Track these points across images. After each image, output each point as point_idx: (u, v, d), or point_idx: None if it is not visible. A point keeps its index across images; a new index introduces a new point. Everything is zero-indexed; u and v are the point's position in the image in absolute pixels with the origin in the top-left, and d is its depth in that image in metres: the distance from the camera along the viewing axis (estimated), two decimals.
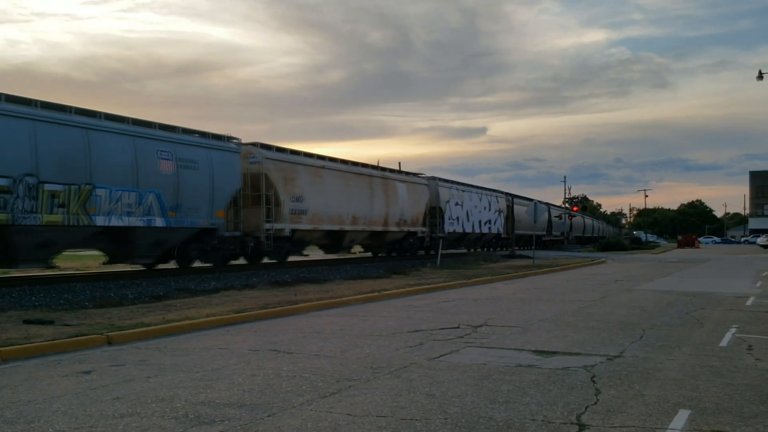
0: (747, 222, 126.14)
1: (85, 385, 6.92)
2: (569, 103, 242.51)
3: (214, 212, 20.89)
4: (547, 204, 64.24)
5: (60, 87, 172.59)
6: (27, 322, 10.98)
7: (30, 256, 16.65)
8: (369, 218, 29.76)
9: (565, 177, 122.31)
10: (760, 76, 37.95)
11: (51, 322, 10.92)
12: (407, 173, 35.51)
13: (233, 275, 20.97)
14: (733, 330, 10.84)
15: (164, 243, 20.14)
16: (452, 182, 39.71)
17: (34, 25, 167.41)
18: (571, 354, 8.66)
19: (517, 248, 46.86)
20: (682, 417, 5.72)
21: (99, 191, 17.30)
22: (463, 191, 40.02)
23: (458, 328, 11.04)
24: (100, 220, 17.43)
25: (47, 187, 16.12)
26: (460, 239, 40.59)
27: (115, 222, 17.85)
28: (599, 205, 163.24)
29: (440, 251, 32.72)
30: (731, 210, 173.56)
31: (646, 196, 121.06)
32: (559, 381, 7.05)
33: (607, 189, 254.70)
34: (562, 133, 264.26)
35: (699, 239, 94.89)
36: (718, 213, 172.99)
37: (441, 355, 8.52)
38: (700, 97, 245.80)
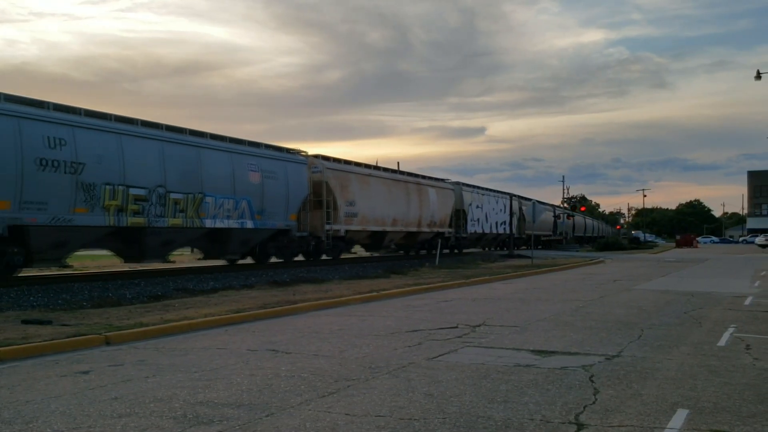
0: (745, 222, 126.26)
1: (83, 385, 6.91)
2: (568, 103, 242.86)
3: (288, 215, 24.60)
4: (553, 206, 65.26)
5: (58, 87, 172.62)
6: (25, 322, 10.97)
7: (155, 253, 20.22)
8: (406, 220, 33.32)
9: (563, 177, 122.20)
10: (759, 76, 38.01)
11: (49, 322, 10.91)
12: (436, 179, 38.78)
13: (231, 275, 20.97)
14: (731, 329, 10.86)
15: (250, 242, 23.85)
16: (473, 186, 42.93)
17: (33, 24, 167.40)
18: (569, 354, 8.67)
19: (525, 248, 47.77)
20: (680, 416, 5.73)
21: (207, 199, 20.95)
22: (482, 195, 43.70)
23: (457, 327, 11.04)
24: (208, 223, 21.12)
25: (172, 195, 19.70)
26: (479, 239, 43.93)
27: (218, 224, 21.52)
28: (598, 205, 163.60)
29: (439, 251, 32.77)
30: (729, 210, 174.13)
31: (645, 195, 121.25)
32: (558, 381, 7.06)
33: (606, 189, 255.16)
34: (561, 133, 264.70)
35: (697, 239, 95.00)
36: (717, 213, 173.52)
37: (439, 355, 8.53)
38: (698, 97, 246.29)
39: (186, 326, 10.92)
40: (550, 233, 62.75)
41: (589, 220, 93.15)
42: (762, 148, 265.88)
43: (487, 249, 47.50)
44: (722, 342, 9.68)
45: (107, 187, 17.75)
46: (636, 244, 75.79)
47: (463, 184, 41.06)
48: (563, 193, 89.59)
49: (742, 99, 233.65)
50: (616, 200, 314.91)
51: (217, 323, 11.45)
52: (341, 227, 27.63)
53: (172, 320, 11.25)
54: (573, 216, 75.77)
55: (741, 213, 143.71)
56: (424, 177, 36.92)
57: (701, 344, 9.48)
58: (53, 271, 21.26)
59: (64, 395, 6.50)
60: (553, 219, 63.12)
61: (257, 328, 11.09)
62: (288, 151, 25.48)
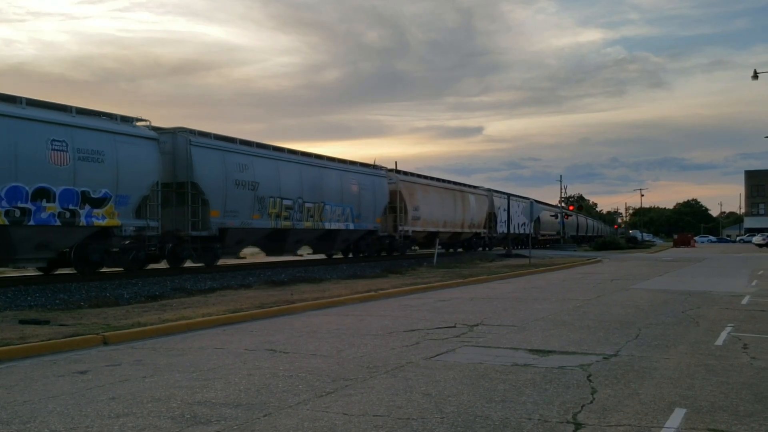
0: (742, 221, 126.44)
1: (81, 385, 6.90)
2: (565, 102, 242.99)
3: (375, 219, 31.49)
4: (560, 208, 67.25)
5: (56, 87, 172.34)
6: (22, 322, 10.96)
7: (291, 248, 27.73)
8: (453, 222, 39.72)
9: (561, 177, 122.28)
10: (756, 76, 38.09)
11: (47, 322, 10.90)
12: (474, 186, 45.86)
13: (229, 275, 20.97)
14: (728, 329, 10.88)
15: (348, 240, 30.81)
16: (501, 192, 50.28)
17: (30, 24, 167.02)
18: (567, 353, 8.68)
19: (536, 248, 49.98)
20: (677, 415, 5.74)
21: (326, 206, 27.64)
22: (508, 199, 50.15)
23: (454, 327, 11.05)
24: (326, 225, 27.74)
25: (306, 204, 26.32)
26: (504, 238, 50.19)
27: (333, 226, 28.16)
28: (595, 205, 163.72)
29: (437, 250, 32.81)
30: (727, 209, 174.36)
31: (642, 195, 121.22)
32: (556, 380, 7.06)
33: (603, 188, 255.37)
34: (558, 133, 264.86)
35: (695, 238, 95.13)
36: (714, 212, 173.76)
37: (437, 355, 8.53)
38: (695, 96, 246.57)
39: (184, 326, 10.91)
40: (553, 233, 64.90)
41: (585, 220, 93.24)
42: (759, 147, 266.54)
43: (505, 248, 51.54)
44: (719, 341, 9.69)
45: (270, 199, 24.18)
46: (633, 244, 75.93)
47: (494, 191, 49.11)
48: (561, 192, 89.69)
49: (740, 98, 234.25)
50: (613, 200, 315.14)
51: (215, 323, 11.45)
52: (409, 228, 34.28)
53: (169, 320, 11.25)
54: (570, 216, 75.91)
55: (738, 212, 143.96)
56: (466, 185, 43.90)
57: (699, 343, 9.50)
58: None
59: (61, 395, 6.49)
60: (561, 221, 67.19)
61: (255, 328, 11.08)
62: (374, 167, 32.93)
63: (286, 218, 25.02)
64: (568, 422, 5.53)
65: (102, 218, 17.95)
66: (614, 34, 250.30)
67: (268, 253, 27.85)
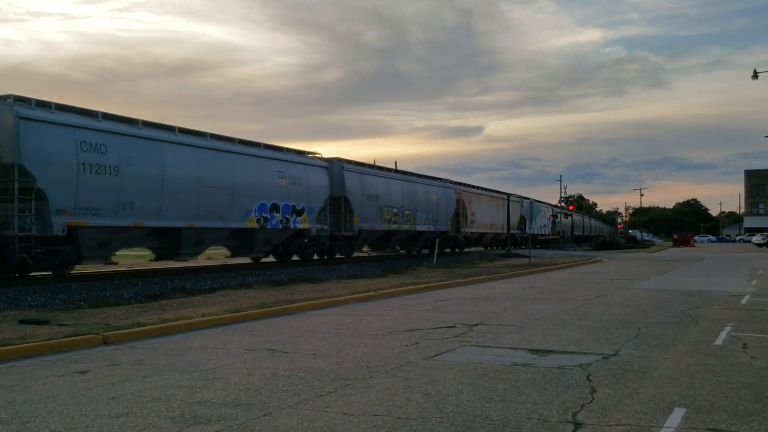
0: (742, 221, 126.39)
1: (81, 385, 6.91)
2: (565, 102, 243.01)
3: (446, 223, 38.64)
4: (550, 205, 69.21)
5: (56, 87, 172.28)
6: (23, 322, 10.96)
7: (392, 246, 36.20)
8: (495, 224, 47.54)
9: (560, 176, 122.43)
10: (755, 76, 38.09)
11: (47, 322, 10.90)
12: (511, 194, 51.88)
13: (229, 274, 20.97)
14: (728, 328, 10.88)
15: (429, 239, 37.58)
16: (528, 198, 55.96)
17: (30, 24, 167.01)
18: (566, 353, 8.68)
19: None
20: (677, 415, 5.74)
21: (418, 213, 34.86)
22: (535, 204, 55.70)
23: (454, 327, 11.05)
24: (418, 227, 35.01)
25: (405, 211, 33.43)
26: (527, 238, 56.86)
27: (421, 228, 35.39)
28: (595, 204, 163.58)
29: (436, 250, 32.84)
30: (726, 209, 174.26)
31: (642, 195, 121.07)
32: (555, 380, 7.07)
33: (603, 188, 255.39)
34: (558, 133, 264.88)
35: (694, 238, 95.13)
36: (714, 212, 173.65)
37: (437, 354, 8.53)
38: (695, 96, 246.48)
39: (184, 326, 10.91)
40: (550, 233, 64.93)
41: (586, 219, 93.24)
42: (759, 147, 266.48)
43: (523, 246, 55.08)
44: (719, 341, 9.70)
45: (386, 207, 31.49)
46: (633, 244, 75.89)
47: (524, 197, 55.49)
48: (560, 192, 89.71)
49: (739, 98, 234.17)
50: (613, 199, 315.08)
51: (215, 323, 11.45)
52: (468, 230, 41.86)
53: (169, 320, 11.25)
54: (570, 215, 75.98)
55: (738, 212, 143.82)
56: (506, 193, 51.17)
57: (698, 343, 9.50)
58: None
59: (61, 395, 6.49)
60: (570, 222, 71.70)
61: (255, 328, 11.09)
62: (448, 181, 40.64)
63: (393, 222, 32.36)
64: (567, 422, 5.53)
65: (300, 223, 25.72)
66: (614, 33, 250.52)
67: (374, 250, 36.89)
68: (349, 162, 29.59)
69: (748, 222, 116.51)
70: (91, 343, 9.40)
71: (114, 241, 18.73)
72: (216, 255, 35.12)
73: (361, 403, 6.13)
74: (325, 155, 28.67)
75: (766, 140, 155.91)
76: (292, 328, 11.03)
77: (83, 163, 16.84)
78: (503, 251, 44.84)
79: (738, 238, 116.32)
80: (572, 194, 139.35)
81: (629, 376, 7.29)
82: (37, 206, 16.00)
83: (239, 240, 23.47)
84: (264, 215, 23.30)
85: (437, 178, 39.61)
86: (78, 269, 20.27)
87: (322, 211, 26.89)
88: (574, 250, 56.36)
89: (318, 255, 29.45)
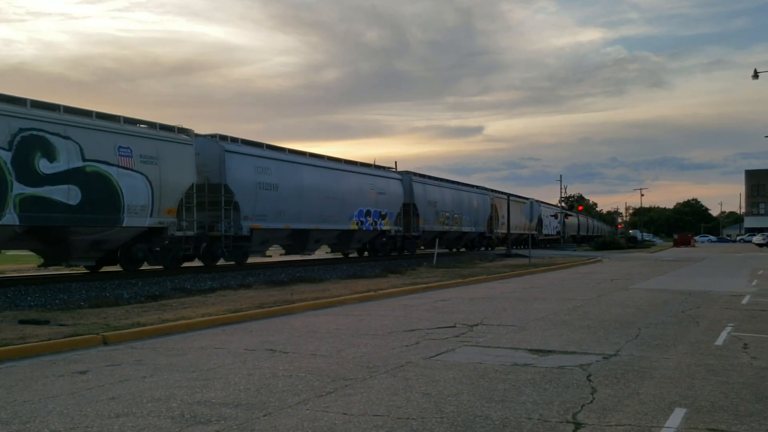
0: (743, 221, 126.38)
1: (81, 385, 6.90)
2: (565, 102, 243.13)
3: (484, 224, 45.30)
4: (559, 208, 71.23)
5: (55, 87, 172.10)
6: (22, 322, 10.95)
7: (444, 245, 40.46)
8: (521, 225, 53.59)
9: (561, 176, 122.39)
10: (756, 75, 38.07)
11: (46, 322, 10.90)
12: (529, 199, 55.11)
13: (229, 275, 20.96)
14: (728, 328, 10.87)
15: (469, 239, 44.26)
16: (541, 202, 60.90)
17: (30, 24, 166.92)
18: (567, 353, 8.68)
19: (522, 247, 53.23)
20: (677, 415, 5.73)
21: (464, 216, 41.42)
22: (545, 207, 63.19)
23: (454, 327, 11.04)
24: (463, 229, 41.63)
25: (454, 215, 39.82)
26: (558, 237, 67.06)
27: (465, 229, 42.12)
28: (595, 204, 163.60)
29: (437, 250, 32.83)
30: (727, 209, 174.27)
31: (642, 195, 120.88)
32: (555, 380, 7.06)
33: (603, 188, 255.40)
34: (558, 133, 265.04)
35: (695, 238, 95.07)
36: (714, 212, 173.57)
37: (437, 354, 8.53)
38: (695, 96, 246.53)
39: (183, 326, 10.91)
40: (552, 233, 65.57)
41: (586, 219, 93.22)
42: (759, 147, 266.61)
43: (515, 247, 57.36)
44: (720, 341, 9.69)
45: (441, 212, 37.84)
46: (633, 244, 75.84)
47: (538, 201, 59.26)
48: (560, 192, 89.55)
49: (740, 98, 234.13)
50: (613, 199, 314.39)
51: (215, 323, 11.44)
52: (498, 230, 48.74)
53: (169, 320, 11.24)
54: (570, 215, 76.05)
55: (738, 212, 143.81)
56: (525, 198, 55.12)
57: (699, 343, 9.49)
58: (50, 271, 21.73)
59: (61, 395, 6.49)
60: (577, 223, 75.07)
61: (255, 328, 11.08)
62: (483, 188, 46.96)
63: (446, 224, 38.70)
64: (567, 422, 5.52)
65: (384, 225, 32.32)
66: (614, 33, 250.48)
67: (426, 247, 40.78)
68: (416, 174, 36.86)
69: (749, 222, 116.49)
70: (91, 343, 9.40)
71: (271, 239, 25.69)
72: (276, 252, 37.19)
73: (361, 403, 6.12)
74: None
75: (767, 140, 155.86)
76: (292, 328, 11.02)
77: (258, 182, 23.51)
78: (504, 251, 44.88)
79: (738, 238, 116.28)
80: (572, 194, 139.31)
81: (629, 376, 7.28)
82: (234, 215, 22.32)
83: (341, 239, 30.04)
84: (361, 219, 30.06)
85: (475, 186, 46.43)
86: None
87: (398, 216, 33.82)
88: (574, 250, 56.37)
89: (389, 251, 35.14)
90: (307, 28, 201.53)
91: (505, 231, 48.79)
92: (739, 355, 8.59)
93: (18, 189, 15.48)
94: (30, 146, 15.79)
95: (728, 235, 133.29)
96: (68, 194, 16.59)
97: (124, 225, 18.23)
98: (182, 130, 20.59)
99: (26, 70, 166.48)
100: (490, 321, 11.73)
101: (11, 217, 15.31)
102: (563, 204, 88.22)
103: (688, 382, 7.02)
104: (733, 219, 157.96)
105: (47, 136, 16.15)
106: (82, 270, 21.25)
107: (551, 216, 66.70)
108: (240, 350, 8.94)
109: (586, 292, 17.42)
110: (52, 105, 16.74)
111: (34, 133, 15.91)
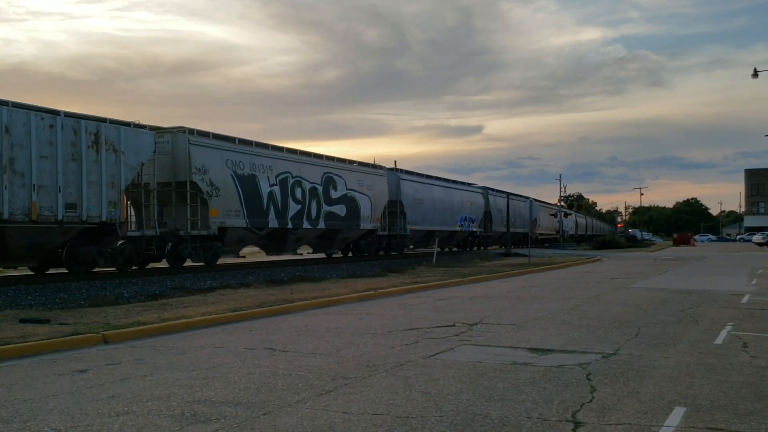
0: (742, 220, 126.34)
1: (81, 384, 6.91)
2: (564, 101, 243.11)
3: (526, 226, 48.34)
4: (558, 207, 71.70)
5: (55, 87, 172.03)
6: (23, 321, 10.96)
7: (492, 243, 50.29)
8: (546, 227, 63.42)
9: (560, 176, 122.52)
10: (756, 74, 38.06)
11: (47, 321, 10.90)
12: (528, 197, 58.39)
13: (229, 274, 20.98)
14: (728, 327, 10.88)
15: (460, 237, 45.43)
16: (541, 201, 64.35)
17: (29, 24, 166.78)
18: (566, 352, 8.68)
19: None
20: (677, 414, 5.74)
21: (511, 219, 49.83)
22: (545, 207, 67.34)
23: (454, 326, 11.05)
24: (517, 230, 52.47)
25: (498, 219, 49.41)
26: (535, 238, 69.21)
27: (518, 230, 52.69)
28: (594, 204, 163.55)
29: (436, 249, 32.84)
30: (727, 208, 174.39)
31: (642, 194, 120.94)
32: (555, 379, 7.07)
33: (602, 187, 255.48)
34: (557, 132, 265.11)
35: (694, 237, 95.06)
36: (714, 211, 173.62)
37: (436, 353, 8.53)
38: (695, 95, 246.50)
39: (184, 325, 10.91)
40: (551, 232, 65.65)
41: (584, 219, 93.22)
42: (759, 146, 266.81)
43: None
44: (719, 340, 9.70)
45: (501, 217, 48.95)
46: (633, 243, 75.86)
47: (533, 199, 66.79)
48: (560, 191, 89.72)
49: (739, 97, 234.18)
50: (613, 198, 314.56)
51: (215, 322, 11.45)
52: (497, 229, 50.32)
53: (169, 319, 11.25)
54: (570, 215, 76.10)
55: (738, 211, 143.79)
56: (525, 197, 57.50)
57: (698, 342, 9.50)
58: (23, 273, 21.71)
59: (61, 394, 6.49)
60: (584, 222, 77.20)
61: (255, 327, 11.09)
62: (524, 197, 51.85)
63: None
64: (567, 421, 5.53)
65: (473, 228, 44.14)
66: (614, 32, 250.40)
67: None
68: (492, 189, 48.79)
69: (749, 221, 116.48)
70: (91, 342, 9.41)
71: (415, 237, 36.82)
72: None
73: (361, 402, 6.13)
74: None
75: (766, 139, 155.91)
76: (291, 327, 11.03)
77: (414, 198, 35.76)
78: (503, 250, 44.94)
79: (738, 237, 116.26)
80: (572, 193, 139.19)
81: (629, 375, 7.29)
82: (401, 220, 34.38)
83: (447, 238, 41.12)
84: (461, 223, 41.82)
85: (523, 196, 53.52)
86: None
87: (482, 220, 45.52)
88: (574, 250, 56.35)
89: (461, 247, 45.54)
90: (306, 27, 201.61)
91: (500, 230, 49.35)
92: (739, 354, 8.60)
93: (324, 207, 27.47)
94: (328, 182, 27.98)
95: (728, 235, 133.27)
96: (342, 210, 28.88)
97: (360, 228, 30.49)
98: (379, 167, 33.34)
99: (26, 69, 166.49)
100: (489, 320, 11.74)
101: (322, 223, 27.33)
102: (563, 203, 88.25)
103: (687, 381, 7.03)
104: (733, 218, 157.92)
105: (334, 176, 28.40)
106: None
107: (551, 215, 66.72)
108: (240, 349, 8.95)
109: (586, 291, 17.43)
110: (335, 158, 29.39)
111: (330, 175, 28.16)
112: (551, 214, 66.51)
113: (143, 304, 13.82)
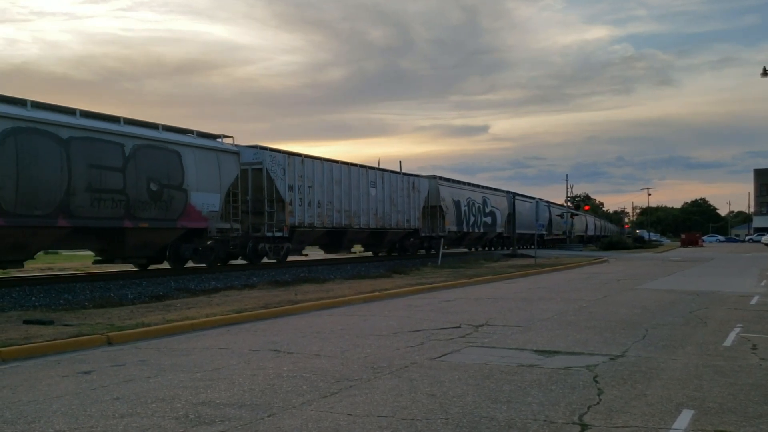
0: (751, 220, 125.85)
1: (85, 386, 6.89)
2: (571, 100, 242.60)
3: (544, 228, 51.27)
4: (557, 205, 73.99)
5: (59, 87, 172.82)
6: (27, 322, 10.97)
7: (467, 244, 48.53)
8: (555, 228, 64.68)
9: (567, 176, 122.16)
10: (765, 73, 37.83)
11: (51, 323, 10.90)
12: (535, 198, 60.21)
13: (233, 275, 20.97)
14: (737, 329, 10.79)
15: (488, 238, 49.33)
16: (548, 202, 65.31)
17: (33, 24, 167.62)
18: (573, 353, 8.62)
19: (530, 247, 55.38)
20: (685, 417, 5.68)
21: (487, 217, 47.51)
22: (553, 207, 68.76)
23: (459, 327, 11.00)
24: (539, 231, 47.49)
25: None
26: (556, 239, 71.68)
27: (487, 230, 47.94)
28: (601, 204, 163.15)
29: (441, 250, 32.78)
30: (735, 208, 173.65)
31: (649, 194, 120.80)
32: (561, 381, 7.01)
33: (609, 187, 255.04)
34: (564, 131, 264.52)
35: (703, 238, 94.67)
36: (722, 211, 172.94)
37: (442, 355, 8.49)
38: (703, 94, 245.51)
39: (188, 326, 10.90)
40: (558, 233, 65.75)
41: (592, 219, 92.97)
42: None
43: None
44: (728, 342, 9.61)
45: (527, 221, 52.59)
46: (640, 243, 75.57)
47: (547, 202, 65.66)
48: (566, 191, 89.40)
49: (748, 96, 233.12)
50: (620, 199, 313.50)
51: (219, 323, 11.43)
52: (519, 231, 52.90)
53: (173, 320, 11.24)
54: (577, 215, 75.89)
55: (747, 211, 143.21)
56: (531, 197, 59.71)
57: (707, 344, 9.42)
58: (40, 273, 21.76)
59: (65, 395, 6.48)
60: (587, 223, 78.53)
61: (259, 328, 11.06)
62: (544, 200, 55.42)
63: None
64: (574, 423, 5.47)
65: (499, 229, 47.79)
66: (621, 31, 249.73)
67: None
68: (517, 194, 51.99)
69: (758, 221, 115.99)
70: (96, 344, 9.40)
71: (456, 240, 41.42)
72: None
73: (366, 403, 6.09)
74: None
75: None
76: (296, 328, 11.00)
77: (454, 201, 39.22)
78: (509, 251, 44.83)
79: (747, 237, 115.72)
80: (578, 194, 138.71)
81: (636, 377, 7.22)
82: (439, 221, 37.42)
83: (478, 238, 45.48)
84: (490, 225, 45.67)
85: (547, 201, 56.11)
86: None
87: (505, 223, 48.82)
88: (581, 250, 56.21)
89: (487, 246, 49.40)
90: (311, 26, 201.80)
91: (522, 231, 52.42)
92: (748, 357, 8.51)
93: (374, 207, 31.03)
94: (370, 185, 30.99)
95: (736, 235, 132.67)
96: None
97: (407, 228, 34.01)
98: (414, 175, 36.28)
99: (30, 69, 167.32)
100: (495, 321, 11.68)
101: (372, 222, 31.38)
102: (569, 203, 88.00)
103: (695, 383, 6.96)
104: (742, 218, 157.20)
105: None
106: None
107: (557, 216, 66.68)
108: (244, 350, 8.92)
109: (593, 293, 17.35)
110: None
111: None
112: (558, 215, 66.39)
113: (147, 305, 13.82)
